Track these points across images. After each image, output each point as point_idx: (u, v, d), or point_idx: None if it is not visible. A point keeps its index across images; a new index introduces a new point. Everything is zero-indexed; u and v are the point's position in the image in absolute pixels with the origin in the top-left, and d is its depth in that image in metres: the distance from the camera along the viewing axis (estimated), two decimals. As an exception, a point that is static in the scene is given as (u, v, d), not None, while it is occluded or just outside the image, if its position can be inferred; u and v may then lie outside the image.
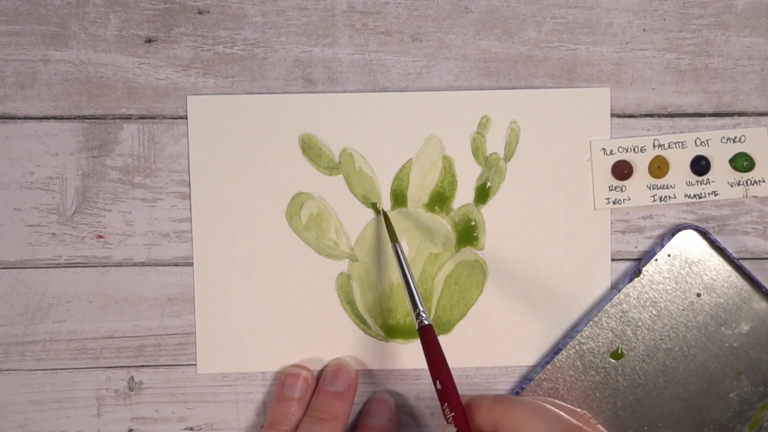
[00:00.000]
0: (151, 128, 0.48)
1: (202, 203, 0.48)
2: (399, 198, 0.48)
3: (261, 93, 0.48)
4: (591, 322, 0.48)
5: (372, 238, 0.48)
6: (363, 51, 0.48)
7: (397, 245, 0.46)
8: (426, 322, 0.44)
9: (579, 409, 0.44)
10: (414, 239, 0.48)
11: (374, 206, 0.48)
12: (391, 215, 0.48)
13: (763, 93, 0.48)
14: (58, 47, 0.47)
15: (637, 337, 0.48)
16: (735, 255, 0.48)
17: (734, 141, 0.48)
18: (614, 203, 0.48)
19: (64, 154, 0.48)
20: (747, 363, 0.48)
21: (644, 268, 0.48)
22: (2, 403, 0.49)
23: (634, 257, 0.49)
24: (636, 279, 0.48)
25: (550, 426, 0.40)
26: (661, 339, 0.48)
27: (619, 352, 0.48)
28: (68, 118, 0.48)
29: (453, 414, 0.42)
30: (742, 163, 0.48)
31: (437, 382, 0.43)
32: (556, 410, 0.41)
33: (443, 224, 0.48)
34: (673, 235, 0.48)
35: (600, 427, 0.42)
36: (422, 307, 0.44)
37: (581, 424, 0.40)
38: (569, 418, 0.40)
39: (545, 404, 0.42)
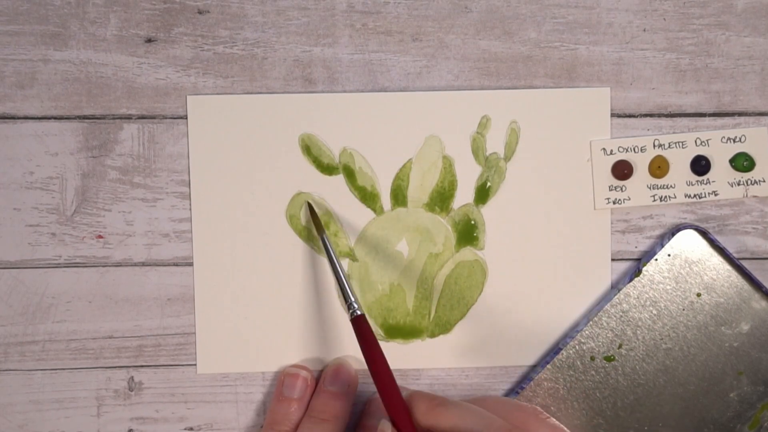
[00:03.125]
0: (151, 128, 0.48)
1: (202, 203, 0.48)
2: (399, 198, 0.48)
3: (261, 93, 0.48)
4: (591, 322, 0.48)
5: (372, 238, 0.48)
6: (363, 51, 0.48)
7: (324, 237, 0.46)
8: (358, 313, 0.44)
9: (527, 404, 0.44)
10: (414, 239, 0.48)
11: (307, 204, 0.48)
12: (391, 215, 0.48)
13: (763, 93, 0.48)
14: (58, 47, 0.47)
15: (637, 337, 0.48)
16: (735, 255, 0.48)
17: (734, 141, 0.48)
18: (614, 203, 0.48)
19: (64, 154, 0.48)
20: (747, 363, 0.48)
21: (644, 268, 0.48)
22: (2, 403, 0.49)
23: (634, 257, 0.49)
24: (636, 279, 0.48)
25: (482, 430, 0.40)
26: (661, 339, 0.48)
27: (611, 356, 0.48)
28: (68, 118, 0.48)
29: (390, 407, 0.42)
30: (742, 163, 0.48)
31: (373, 372, 0.43)
32: (489, 414, 0.41)
33: (443, 224, 0.48)
34: (673, 234, 0.48)
35: (551, 420, 0.43)
36: (353, 297, 0.44)
37: (517, 425, 0.41)
38: (501, 421, 0.40)
39: (479, 408, 0.41)
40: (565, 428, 0.43)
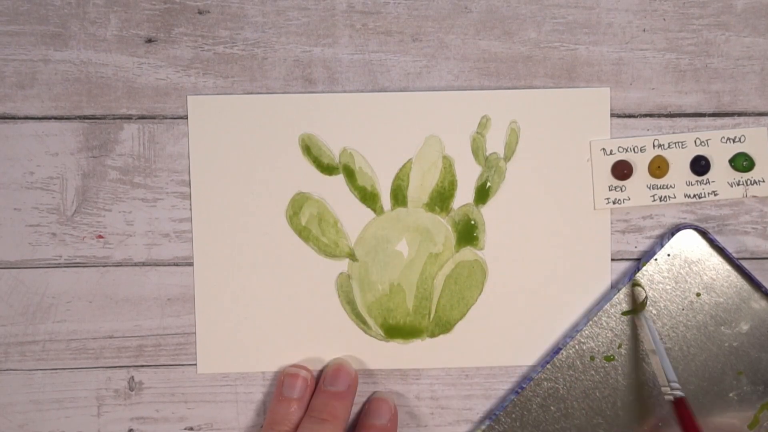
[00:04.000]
0: (151, 128, 0.48)
1: (202, 203, 0.48)
2: (399, 198, 0.48)
3: (261, 93, 0.48)
4: (591, 322, 0.48)
5: (372, 238, 0.48)
6: (363, 51, 0.48)
7: (644, 316, 0.47)
8: (680, 394, 0.44)
9: None
10: (414, 239, 0.48)
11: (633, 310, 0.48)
12: (391, 215, 0.48)
13: (763, 93, 0.48)
14: (58, 47, 0.47)
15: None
16: (735, 255, 0.48)
17: (734, 141, 0.48)
18: (614, 203, 0.48)
19: (64, 154, 0.48)
20: (747, 363, 0.48)
21: (644, 268, 0.48)
22: (2, 403, 0.49)
23: (634, 257, 0.49)
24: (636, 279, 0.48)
25: None
26: (661, 339, 0.48)
27: (611, 356, 0.48)
28: (68, 118, 0.48)
29: None
30: (741, 163, 0.48)
31: None
32: None
33: (443, 224, 0.49)
34: (672, 234, 0.48)
35: None
36: (674, 378, 0.44)
37: None
38: None
39: None
40: None
